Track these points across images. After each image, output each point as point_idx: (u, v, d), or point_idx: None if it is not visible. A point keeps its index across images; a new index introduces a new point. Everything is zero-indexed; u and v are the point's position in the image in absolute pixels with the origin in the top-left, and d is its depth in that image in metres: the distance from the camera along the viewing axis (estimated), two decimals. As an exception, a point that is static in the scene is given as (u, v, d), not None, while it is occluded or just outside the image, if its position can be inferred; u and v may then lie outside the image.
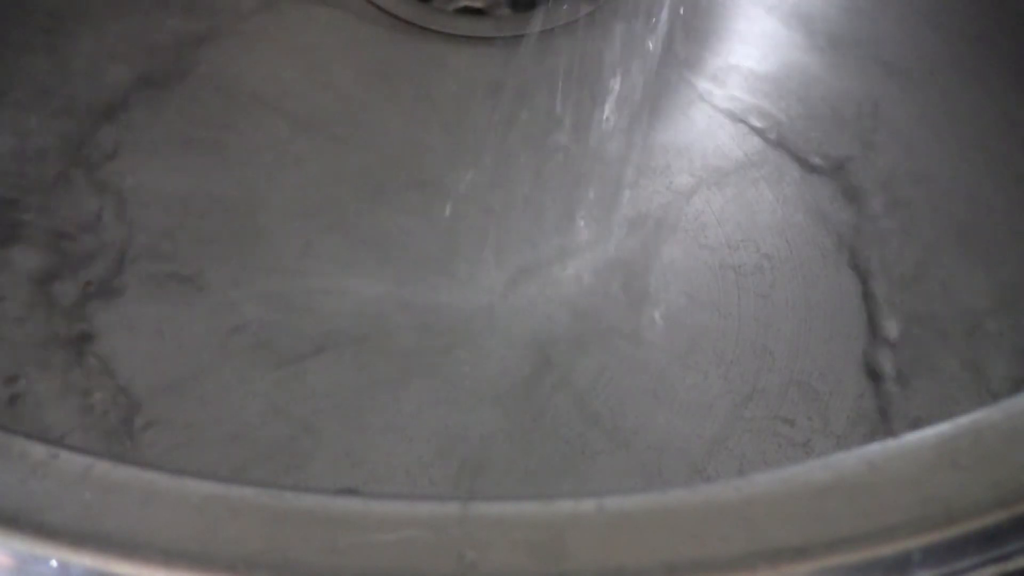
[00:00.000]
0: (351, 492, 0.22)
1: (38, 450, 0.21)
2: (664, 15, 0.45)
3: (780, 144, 0.49)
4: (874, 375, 0.43)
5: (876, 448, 0.21)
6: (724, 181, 0.48)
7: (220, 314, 0.44)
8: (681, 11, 0.45)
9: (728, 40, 0.52)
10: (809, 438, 0.42)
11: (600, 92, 0.48)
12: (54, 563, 0.20)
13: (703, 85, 0.51)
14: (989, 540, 0.20)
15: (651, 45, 0.47)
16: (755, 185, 0.48)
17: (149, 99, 0.49)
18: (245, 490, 0.21)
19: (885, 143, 0.49)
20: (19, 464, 0.21)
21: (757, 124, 0.50)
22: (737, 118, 0.50)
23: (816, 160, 0.48)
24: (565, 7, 0.51)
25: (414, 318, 0.44)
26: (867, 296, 0.45)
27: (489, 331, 0.44)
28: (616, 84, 0.49)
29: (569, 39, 0.50)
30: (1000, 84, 0.49)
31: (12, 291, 0.43)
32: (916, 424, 0.42)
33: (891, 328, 0.44)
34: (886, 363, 0.43)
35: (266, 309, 0.44)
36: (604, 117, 0.48)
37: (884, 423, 0.42)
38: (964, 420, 0.22)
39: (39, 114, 0.47)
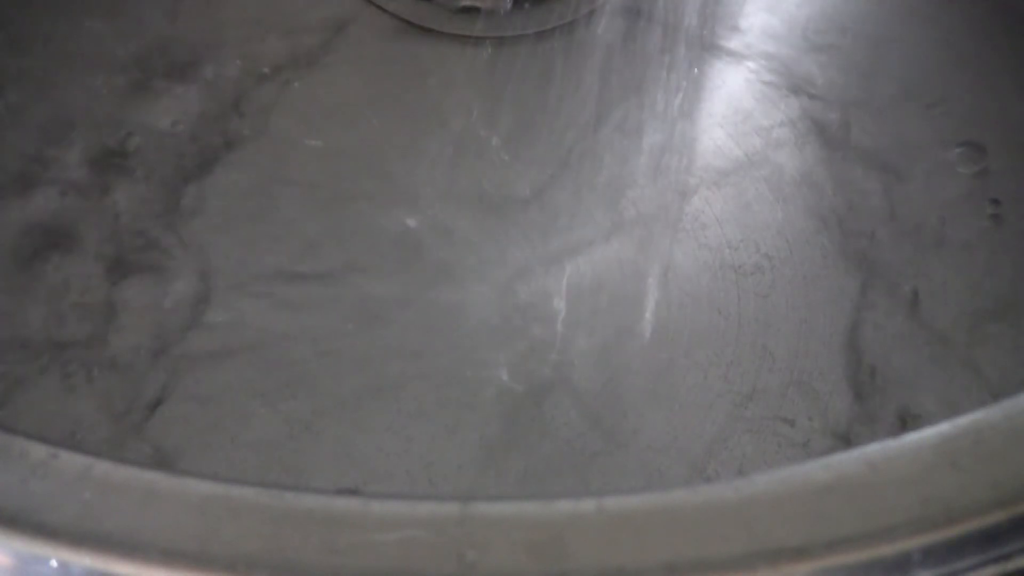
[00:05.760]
0: (351, 492, 0.22)
1: (38, 450, 0.21)
2: (666, 15, 0.45)
3: (780, 144, 0.49)
4: (874, 375, 0.43)
5: (876, 448, 0.21)
6: (724, 181, 0.48)
7: (221, 314, 0.44)
8: (684, 11, 0.45)
9: (727, 40, 0.52)
10: (809, 438, 0.42)
11: (600, 92, 0.48)
12: (54, 563, 0.20)
13: (703, 85, 0.51)
14: (989, 540, 0.20)
15: (652, 45, 0.47)
16: (755, 185, 0.48)
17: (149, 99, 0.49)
18: (245, 490, 0.21)
19: (885, 141, 0.49)
20: (19, 464, 0.21)
21: (757, 124, 0.50)
22: (737, 118, 0.50)
23: (816, 159, 0.48)
24: (565, 6, 0.51)
25: (414, 317, 0.44)
26: (867, 296, 0.45)
27: (489, 331, 0.44)
28: (616, 84, 0.49)
29: (569, 39, 0.50)
30: (1001, 82, 0.49)
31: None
32: (916, 424, 0.42)
33: (892, 328, 0.44)
34: (886, 363, 0.43)
35: (266, 308, 0.44)
36: (604, 117, 0.48)
37: (883, 423, 0.42)
38: (964, 420, 0.22)
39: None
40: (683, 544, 0.20)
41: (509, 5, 0.52)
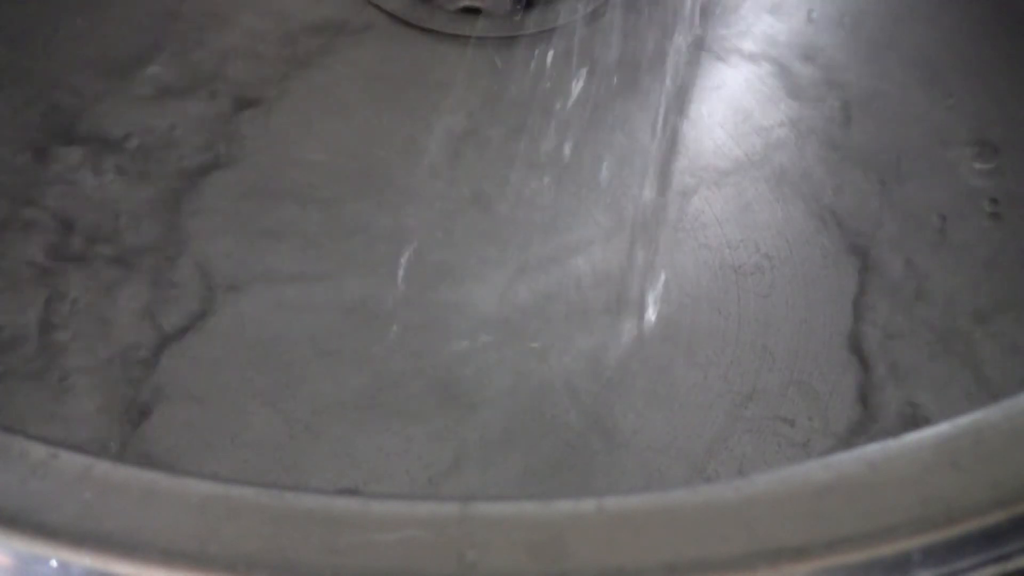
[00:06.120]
0: (351, 492, 0.22)
1: (38, 450, 0.21)
2: (666, 15, 0.45)
3: (780, 144, 0.49)
4: (874, 375, 0.43)
5: (876, 448, 0.21)
6: (724, 181, 0.48)
7: (221, 314, 0.44)
8: (684, 11, 0.45)
9: (728, 40, 0.52)
10: (809, 438, 0.42)
11: (600, 91, 0.48)
12: (54, 563, 0.20)
13: (703, 85, 0.51)
14: (989, 540, 0.20)
15: (652, 45, 0.47)
16: (755, 185, 0.48)
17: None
18: (245, 490, 0.21)
19: (885, 140, 0.49)
20: (19, 464, 0.21)
21: (757, 124, 0.50)
22: (737, 118, 0.50)
23: (816, 159, 0.48)
24: (565, 6, 0.51)
25: (414, 317, 0.44)
26: (867, 296, 0.45)
27: (489, 330, 0.44)
28: (616, 83, 0.49)
29: (569, 39, 0.50)
30: (1002, 82, 0.49)
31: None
32: (916, 424, 0.42)
33: (892, 328, 0.44)
34: (887, 363, 0.43)
35: (266, 308, 0.44)
36: (604, 117, 0.48)
37: (883, 423, 0.42)
38: (964, 420, 0.22)
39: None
40: (683, 544, 0.20)
41: (508, 6, 0.52)
